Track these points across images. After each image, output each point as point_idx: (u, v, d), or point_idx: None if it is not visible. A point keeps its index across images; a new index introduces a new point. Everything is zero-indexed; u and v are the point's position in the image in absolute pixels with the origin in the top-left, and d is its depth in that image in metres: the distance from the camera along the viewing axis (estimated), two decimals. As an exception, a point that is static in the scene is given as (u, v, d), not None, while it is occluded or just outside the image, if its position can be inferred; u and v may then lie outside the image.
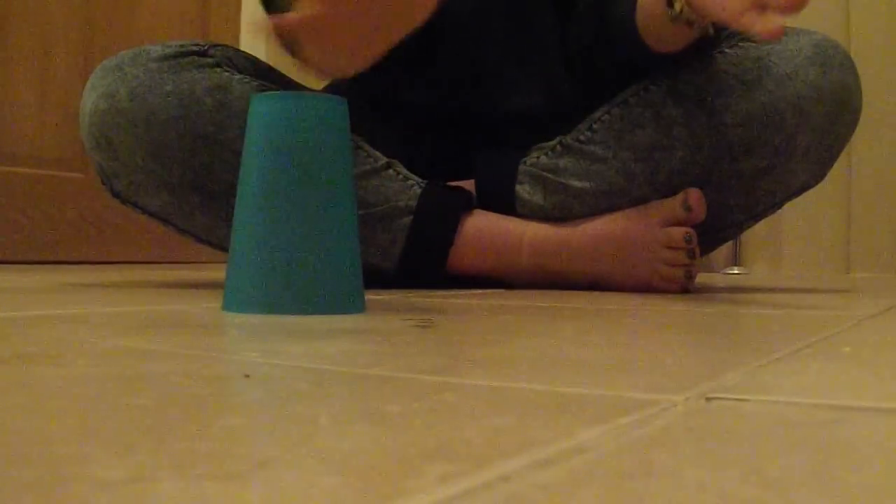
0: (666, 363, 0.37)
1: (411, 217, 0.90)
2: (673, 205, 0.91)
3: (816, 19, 1.75)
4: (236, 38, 2.08)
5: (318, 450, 0.21)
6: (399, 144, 0.98)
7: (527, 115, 1.02)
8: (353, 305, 0.61)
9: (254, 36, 0.68)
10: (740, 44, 0.92)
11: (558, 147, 0.96)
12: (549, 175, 0.95)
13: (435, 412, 0.26)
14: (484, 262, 0.94)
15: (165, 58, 0.86)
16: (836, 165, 0.97)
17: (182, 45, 0.88)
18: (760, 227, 1.12)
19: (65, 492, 0.17)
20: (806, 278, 1.65)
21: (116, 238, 1.79)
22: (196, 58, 0.87)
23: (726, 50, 0.92)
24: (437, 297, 0.79)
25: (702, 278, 1.42)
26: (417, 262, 0.92)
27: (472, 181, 0.98)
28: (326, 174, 0.60)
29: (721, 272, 1.96)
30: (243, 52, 0.95)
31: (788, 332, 0.53)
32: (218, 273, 1.39)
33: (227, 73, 0.87)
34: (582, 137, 0.95)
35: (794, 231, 1.99)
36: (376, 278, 0.93)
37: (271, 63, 0.99)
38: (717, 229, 0.96)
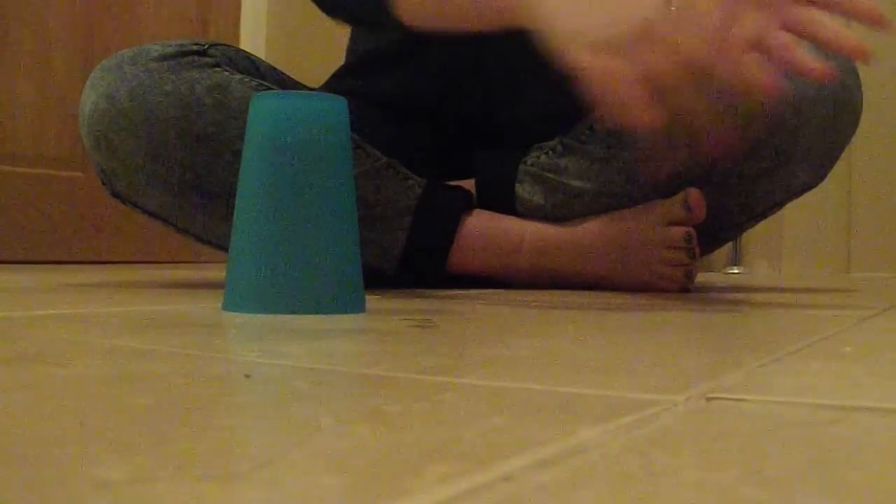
0: (666, 363, 0.37)
1: (411, 217, 0.90)
2: (673, 204, 0.91)
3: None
4: (236, 37, 2.09)
5: (318, 450, 0.21)
6: (399, 144, 0.98)
7: (532, 118, 1.02)
8: (353, 305, 0.61)
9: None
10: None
11: (559, 147, 0.96)
12: (550, 175, 0.95)
13: (435, 412, 0.26)
14: (484, 261, 0.94)
15: (165, 57, 0.86)
16: (836, 165, 0.97)
17: (182, 45, 0.88)
18: (761, 227, 1.12)
19: (65, 492, 0.17)
20: (806, 278, 1.65)
21: (116, 238, 1.79)
22: (196, 57, 0.87)
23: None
24: (437, 297, 0.79)
25: (702, 278, 1.42)
26: (417, 262, 0.92)
27: (472, 181, 0.98)
28: (326, 173, 0.60)
29: (721, 271, 1.97)
30: (243, 51, 0.95)
31: (788, 332, 0.53)
32: (218, 273, 1.39)
33: (226, 73, 0.87)
34: (582, 137, 0.95)
35: (795, 230, 1.99)
36: (376, 278, 0.93)
37: (271, 63, 0.99)
38: (718, 230, 0.96)
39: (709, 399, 0.29)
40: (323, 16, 0.91)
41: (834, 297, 0.91)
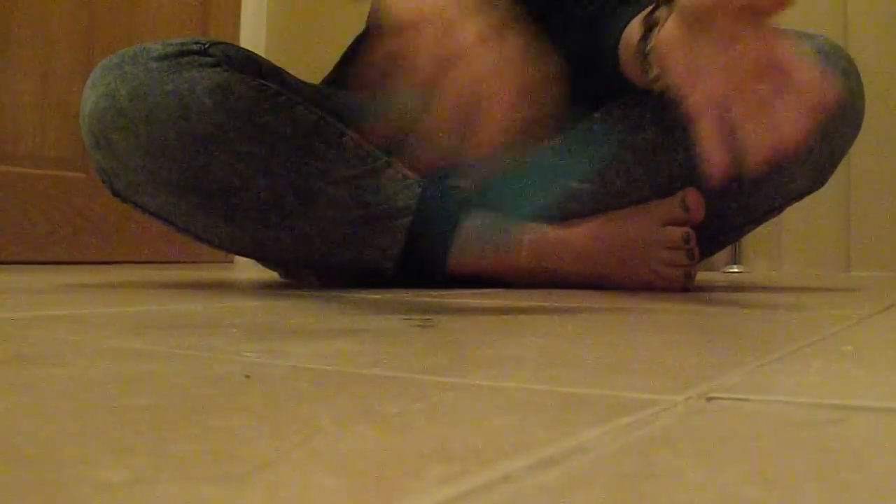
0: (666, 363, 0.37)
1: (411, 217, 0.90)
2: (671, 204, 0.91)
3: (814, 21, 1.75)
4: (236, 37, 2.09)
5: (318, 450, 0.21)
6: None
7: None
8: None
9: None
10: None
11: (559, 146, 0.96)
12: (550, 175, 0.95)
13: (435, 412, 0.26)
14: (483, 261, 0.94)
15: (166, 57, 0.86)
16: (835, 165, 0.97)
17: (183, 44, 0.88)
18: (761, 226, 1.12)
19: (65, 493, 0.17)
20: (806, 277, 1.65)
21: (117, 238, 1.79)
22: (196, 57, 0.87)
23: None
24: (437, 297, 0.79)
25: (702, 277, 1.42)
26: (417, 261, 0.92)
27: (472, 181, 0.98)
28: None
29: (721, 270, 1.96)
30: (244, 50, 0.94)
31: (788, 332, 0.53)
32: (218, 273, 1.39)
33: (227, 73, 0.87)
34: (583, 137, 0.95)
35: (794, 229, 1.98)
36: (376, 278, 0.93)
37: (272, 61, 0.99)
38: (717, 233, 0.96)
39: (709, 399, 0.29)
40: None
41: (834, 297, 0.91)
